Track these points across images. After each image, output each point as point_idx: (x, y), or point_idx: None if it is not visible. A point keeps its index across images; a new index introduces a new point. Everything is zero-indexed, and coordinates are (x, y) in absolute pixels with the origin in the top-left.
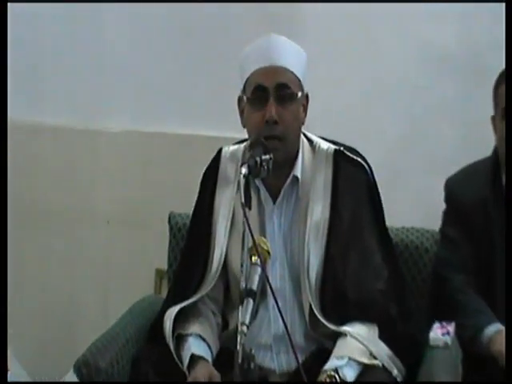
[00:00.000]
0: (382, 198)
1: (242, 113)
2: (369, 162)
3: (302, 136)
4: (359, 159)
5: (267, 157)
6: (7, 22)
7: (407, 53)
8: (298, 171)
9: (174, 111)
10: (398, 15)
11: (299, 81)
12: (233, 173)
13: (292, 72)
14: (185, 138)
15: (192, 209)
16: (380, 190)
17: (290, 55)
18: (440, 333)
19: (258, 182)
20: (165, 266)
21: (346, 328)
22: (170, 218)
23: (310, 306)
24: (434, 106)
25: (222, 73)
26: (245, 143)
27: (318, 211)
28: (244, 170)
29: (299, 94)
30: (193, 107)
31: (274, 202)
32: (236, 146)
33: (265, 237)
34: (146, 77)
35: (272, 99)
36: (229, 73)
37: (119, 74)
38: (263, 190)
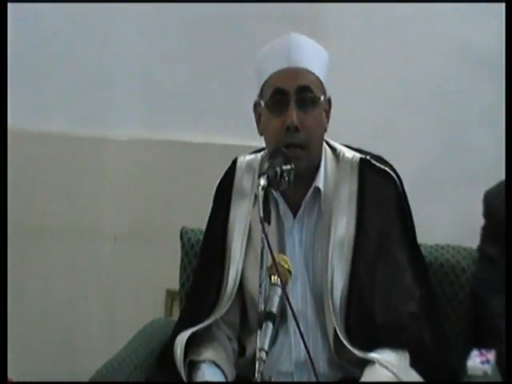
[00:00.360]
0: (414, 212)
1: (258, 119)
2: (399, 172)
3: (324, 144)
4: (387, 169)
5: (288, 167)
6: (7, 23)
7: (442, 55)
8: (320, 182)
9: (185, 118)
10: (431, 14)
11: (321, 83)
12: (249, 185)
13: (314, 74)
14: (197, 147)
15: (205, 224)
16: (411, 203)
17: (312, 56)
18: (479, 361)
19: (276, 194)
20: (176, 287)
21: (374, 355)
22: (181, 234)
23: (335, 329)
24: (472, 112)
25: (238, 76)
26: (262, 152)
27: (343, 226)
28: (263, 182)
29: (322, 97)
30: (206, 113)
31: (295, 216)
32: (253, 156)
33: (284, 254)
34: (156, 81)
35: (293, 104)
36: (245, 76)
37: (126, 79)
38: (282, 203)
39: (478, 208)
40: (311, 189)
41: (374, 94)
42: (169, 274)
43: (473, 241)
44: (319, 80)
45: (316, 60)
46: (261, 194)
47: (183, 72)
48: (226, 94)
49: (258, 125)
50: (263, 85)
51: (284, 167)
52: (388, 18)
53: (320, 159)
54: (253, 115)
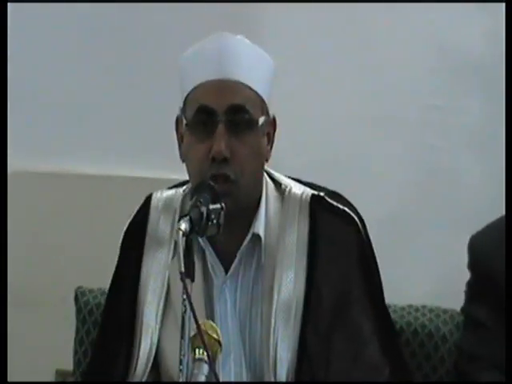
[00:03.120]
0: (381, 264)
1: (181, 140)
2: (362, 213)
3: (265, 177)
4: (347, 209)
5: (217, 206)
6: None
7: (417, 61)
8: (260, 227)
9: (79, 144)
10: (402, 12)
11: (262, 101)
12: (167, 229)
13: (252, 89)
14: (97, 180)
15: (109, 282)
16: (378, 253)
17: (250, 65)
18: None
19: (203, 242)
20: (70, 366)
21: None
22: (76, 296)
23: None
24: (455, 134)
25: (151, 89)
26: (184, 187)
27: (289, 284)
28: (184, 226)
29: (261, 119)
30: (106, 137)
31: (227, 272)
32: (172, 192)
33: (213, 320)
34: (40, 97)
35: (221, 127)
36: (161, 89)
37: None
38: (211, 254)
39: (463, 259)
40: (248, 236)
41: (328, 112)
42: (59, 350)
43: (456, 301)
44: (259, 96)
45: (256, 70)
46: (182, 241)
47: (76, 84)
48: (132, 111)
49: (179, 147)
50: (186, 98)
51: (212, 206)
52: (349, 16)
53: (260, 197)
54: (169, 139)
